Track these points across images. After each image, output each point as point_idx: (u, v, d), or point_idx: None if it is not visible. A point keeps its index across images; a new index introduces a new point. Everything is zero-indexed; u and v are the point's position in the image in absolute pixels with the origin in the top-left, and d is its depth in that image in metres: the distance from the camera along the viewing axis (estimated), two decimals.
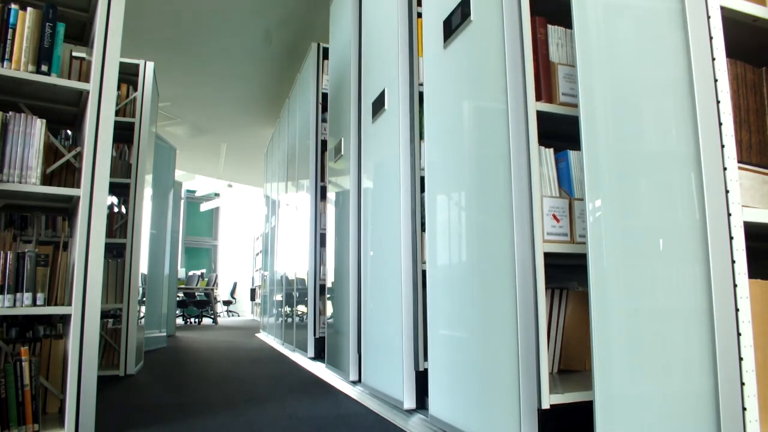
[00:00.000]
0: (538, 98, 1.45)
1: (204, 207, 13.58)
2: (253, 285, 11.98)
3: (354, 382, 2.68)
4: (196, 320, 9.93)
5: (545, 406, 1.29)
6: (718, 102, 1.04)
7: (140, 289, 3.35)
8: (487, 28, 1.57)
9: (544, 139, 1.45)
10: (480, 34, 1.62)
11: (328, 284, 3.35)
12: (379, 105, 2.46)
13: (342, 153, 3.05)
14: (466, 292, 1.65)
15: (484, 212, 1.56)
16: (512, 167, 1.41)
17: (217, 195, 13.42)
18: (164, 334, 4.89)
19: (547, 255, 1.38)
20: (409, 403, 2.04)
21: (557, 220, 1.43)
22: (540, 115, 1.42)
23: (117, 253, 3.28)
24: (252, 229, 13.07)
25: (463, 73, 1.73)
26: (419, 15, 2.22)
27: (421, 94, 2.16)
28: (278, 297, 5.25)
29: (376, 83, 2.54)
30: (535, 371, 1.32)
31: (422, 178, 2.11)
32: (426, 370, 1.96)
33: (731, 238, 1.00)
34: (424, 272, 2.05)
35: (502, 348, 1.43)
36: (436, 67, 1.92)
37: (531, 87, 1.41)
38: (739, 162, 1.04)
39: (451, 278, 1.74)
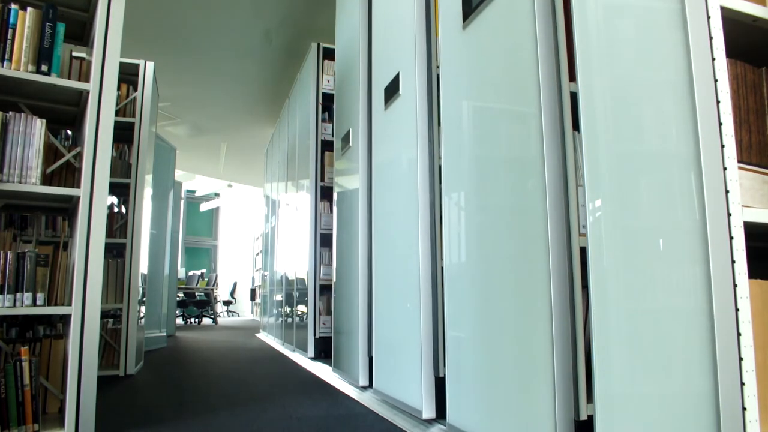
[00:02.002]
0: (572, 79, 1.32)
1: (204, 207, 13.59)
2: (253, 285, 11.97)
3: (364, 388, 2.58)
4: (196, 320, 9.93)
5: (583, 417, 1.17)
6: (718, 102, 1.04)
7: (140, 289, 3.35)
8: (514, 4, 1.48)
9: (576, 125, 1.36)
10: (505, 11, 1.52)
11: (334, 284, 3.27)
12: (392, 90, 2.32)
13: (350, 144, 2.91)
14: (491, 292, 1.53)
15: (513, 204, 1.46)
16: (545, 155, 1.31)
17: (217, 195, 13.42)
18: (164, 334, 4.89)
19: (582, 251, 1.26)
20: (429, 412, 1.88)
21: None
22: (573, 97, 1.30)
23: (117, 253, 3.28)
24: (252, 229, 13.06)
25: (485, 54, 1.62)
26: None
27: (439, 77, 2.03)
28: (278, 297, 5.25)
29: (389, 67, 2.39)
30: (572, 379, 1.21)
31: (440, 168, 1.97)
32: (445, 376, 1.83)
33: (731, 238, 1.00)
34: (443, 270, 1.91)
35: (534, 353, 1.31)
36: (454, 49, 1.81)
37: (564, 66, 1.31)
38: (739, 162, 1.05)
39: (474, 277, 1.63)
